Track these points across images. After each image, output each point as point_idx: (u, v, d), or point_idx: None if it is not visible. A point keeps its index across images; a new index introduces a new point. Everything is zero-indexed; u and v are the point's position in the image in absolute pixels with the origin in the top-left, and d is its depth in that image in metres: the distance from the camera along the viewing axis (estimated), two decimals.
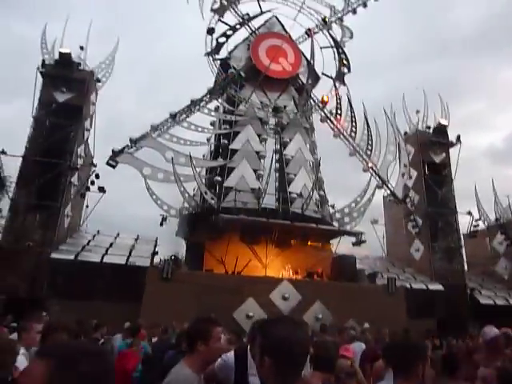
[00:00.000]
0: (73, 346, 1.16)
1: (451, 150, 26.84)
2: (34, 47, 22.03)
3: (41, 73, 20.79)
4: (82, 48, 22.40)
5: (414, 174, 25.59)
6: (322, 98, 24.43)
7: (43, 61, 21.10)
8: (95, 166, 20.82)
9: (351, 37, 26.65)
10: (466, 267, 25.37)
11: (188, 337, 2.49)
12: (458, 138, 26.57)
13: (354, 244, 21.16)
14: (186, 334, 2.66)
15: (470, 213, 24.98)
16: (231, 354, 3.07)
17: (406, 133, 26.96)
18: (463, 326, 14.17)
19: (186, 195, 20.31)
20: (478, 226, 25.06)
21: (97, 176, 20.25)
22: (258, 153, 22.24)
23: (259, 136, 22.69)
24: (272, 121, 23.76)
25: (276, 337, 1.48)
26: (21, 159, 19.12)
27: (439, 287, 22.19)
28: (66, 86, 20.76)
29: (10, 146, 19.27)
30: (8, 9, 71.52)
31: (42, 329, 3.32)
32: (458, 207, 25.63)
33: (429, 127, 27.03)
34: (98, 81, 23.14)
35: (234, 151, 21.98)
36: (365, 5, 27.15)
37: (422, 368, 2.23)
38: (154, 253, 20.50)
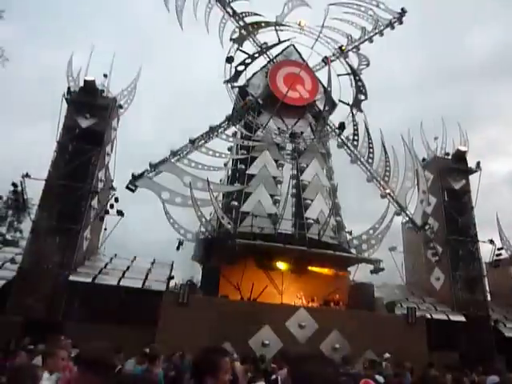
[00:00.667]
0: (133, 378, 1.22)
1: (471, 177, 26.45)
2: (60, 73, 22.96)
3: (66, 99, 21.55)
4: (105, 76, 23.23)
5: (433, 200, 25.23)
6: (339, 125, 24.58)
7: (69, 88, 21.91)
8: (115, 189, 21.22)
9: (368, 65, 27.01)
10: (489, 298, 24.50)
11: (195, 369, 2.37)
12: (478, 164, 26.22)
13: (372, 272, 20.77)
14: (193, 367, 2.53)
15: (491, 241, 24.28)
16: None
17: (424, 159, 26.75)
18: (488, 360, 13.57)
19: (203, 219, 20.41)
20: (500, 254, 24.29)
21: (116, 200, 20.59)
22: (274, 178, 22.35)
23: (276, 161, 22.86)
24: (289, 146, 23.98)
25: (304, 372, 1.48)
26: (44, 182, 19.64)
27: (461, 318, 21.43)
28: (90, 112, 21.42)
29: (33, 169, 19.86)
30: (38, 38, 75.18)
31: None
32: (479, 235, 24.97)
33: (448, 154, 26.77)
34: (121, 107, 23.83)
35: (251, 176, 22.14)
36: (381, 34, 27.68)
37: None
38: (170, 277, 20.50)
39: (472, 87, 79.46)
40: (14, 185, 19.33)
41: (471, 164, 26.46)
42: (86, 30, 71.62)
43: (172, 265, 22.12)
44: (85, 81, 22.02)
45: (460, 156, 26.36)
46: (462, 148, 26.49)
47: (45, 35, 73.57)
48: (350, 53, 27.09)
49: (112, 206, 20.61)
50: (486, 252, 24.85)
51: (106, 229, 22.92)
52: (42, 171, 20.06)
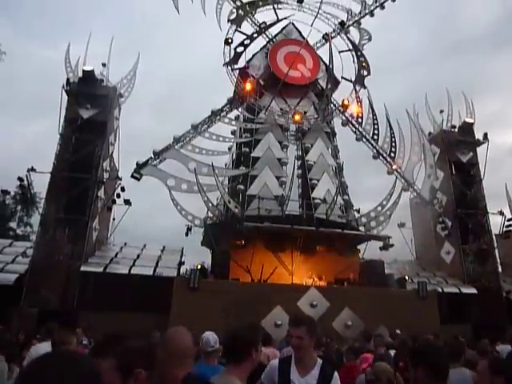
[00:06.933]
0: None
1: (478, 149, 26.05)
2: (60, 68, 22.71)
3: (65, 91, 21.36)
4: (104, 65, 22.95)
5: (441, 174, 24.91)
6: (343, 102, 24.25)
7: (67, 79, 21.69)
8: (120, 179, 21.23)
9: (369, 39, 26.45)
10: (499, 269, 24.42)
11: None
12: (485, 135, 25.74)
13: (381, 248, 20.74)
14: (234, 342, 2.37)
15: (501, 212, 24.04)
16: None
17: (430, 133, 26.33)
18: (501, 331, 13.51)
19: (210, 205, 20.41)
20: (510, 225, 24.08)
21: (122, 189, 20.63)
22: (279, 160, 22.18)
23: (280, 143, 22.66)
24: (293, 127, 23.71)
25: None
26: (49, 175, 19.67)
27: (472, 290, 21.41)
28: (90, 103, 21.23)
29: (39, 163, 19.88)
30: (35, 35, 74.65)
31: None
32: (488, 207, 24.76)
33: (454, 126, 26.30)
34: (121, 96, 23.61)
35: (256, 159, 21.99)
36: (382, 6, 27.02)
37: None
38: (181, 263, 20.64)
39: (475, 59, 77.50)
40: (20, 179, 19.39)
41: (478, 136, 26.04)
42: (82, 20, 70.84)
43: (182, 251, 22.23)
44: (83, 71, 21.80)
45: (467, 128, 25.91)
46: (469, 120, 26.02)
47: (43, 30, 73.03)
48: (351, 28, 26.53)
49: (119, 196, 20.69)
50: (495, 224, 24.71)
51: (114, 219, 23.06)
52: (49, 164, 20.11)
